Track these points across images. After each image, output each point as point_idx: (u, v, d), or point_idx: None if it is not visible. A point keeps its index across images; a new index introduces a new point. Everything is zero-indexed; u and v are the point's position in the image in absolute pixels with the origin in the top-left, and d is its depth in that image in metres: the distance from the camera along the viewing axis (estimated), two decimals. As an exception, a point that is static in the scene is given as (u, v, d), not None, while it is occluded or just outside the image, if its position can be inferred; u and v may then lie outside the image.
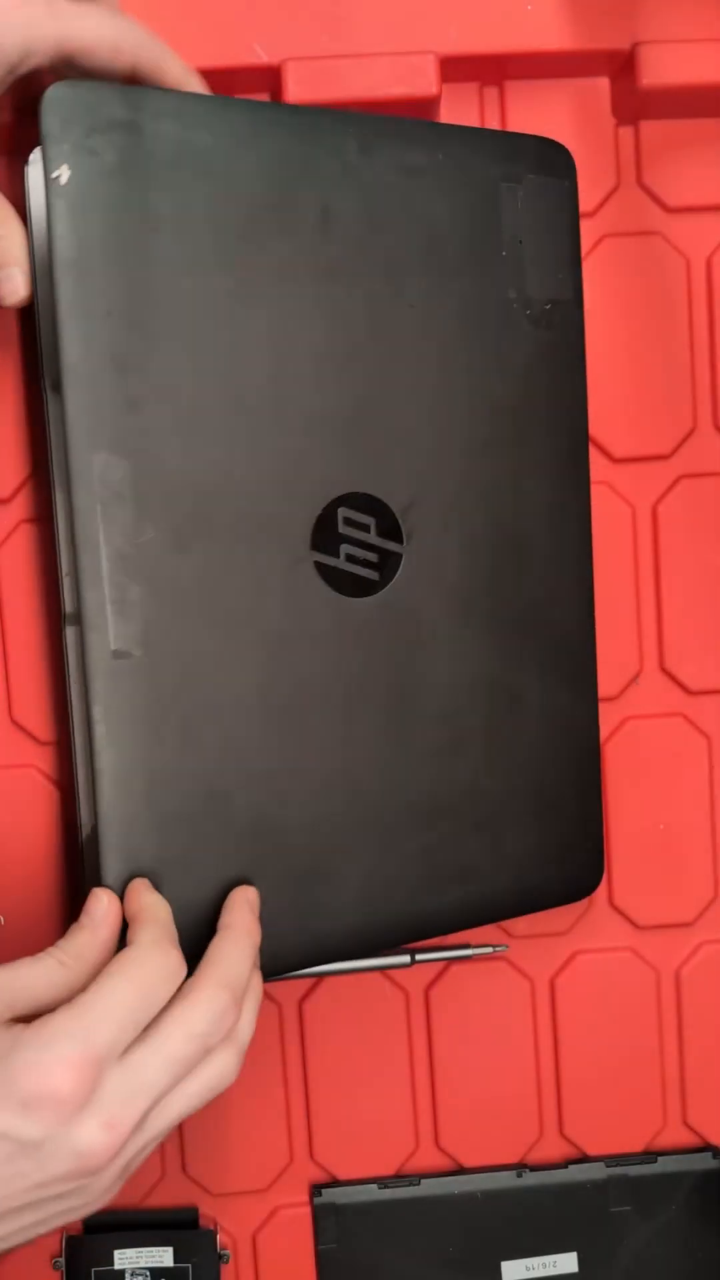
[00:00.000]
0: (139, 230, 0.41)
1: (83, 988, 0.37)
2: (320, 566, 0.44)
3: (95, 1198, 0.36)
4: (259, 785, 0.44)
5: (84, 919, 0.39)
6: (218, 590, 0.43)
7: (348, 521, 0.45)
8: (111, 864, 0.41)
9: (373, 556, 0.45)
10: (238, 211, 0.42)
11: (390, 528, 0.46)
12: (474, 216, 0.47)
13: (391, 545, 0.46)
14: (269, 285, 0.43)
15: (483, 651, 0.48)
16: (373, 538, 0.45)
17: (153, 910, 0.40)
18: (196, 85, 0.45)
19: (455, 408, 0.47)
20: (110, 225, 0.40)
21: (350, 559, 0.45)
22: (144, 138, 0.41)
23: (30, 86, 0.43)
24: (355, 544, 0.45)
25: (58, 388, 0.41)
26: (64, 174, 0.40)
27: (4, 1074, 0.34)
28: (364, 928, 0.46)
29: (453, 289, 0.46)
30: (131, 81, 0.43)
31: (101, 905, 0.40)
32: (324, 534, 0.44)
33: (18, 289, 0.42)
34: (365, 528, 0.45)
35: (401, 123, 0.46)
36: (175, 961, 0.38)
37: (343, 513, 0.45)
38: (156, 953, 0.38)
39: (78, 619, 0.41)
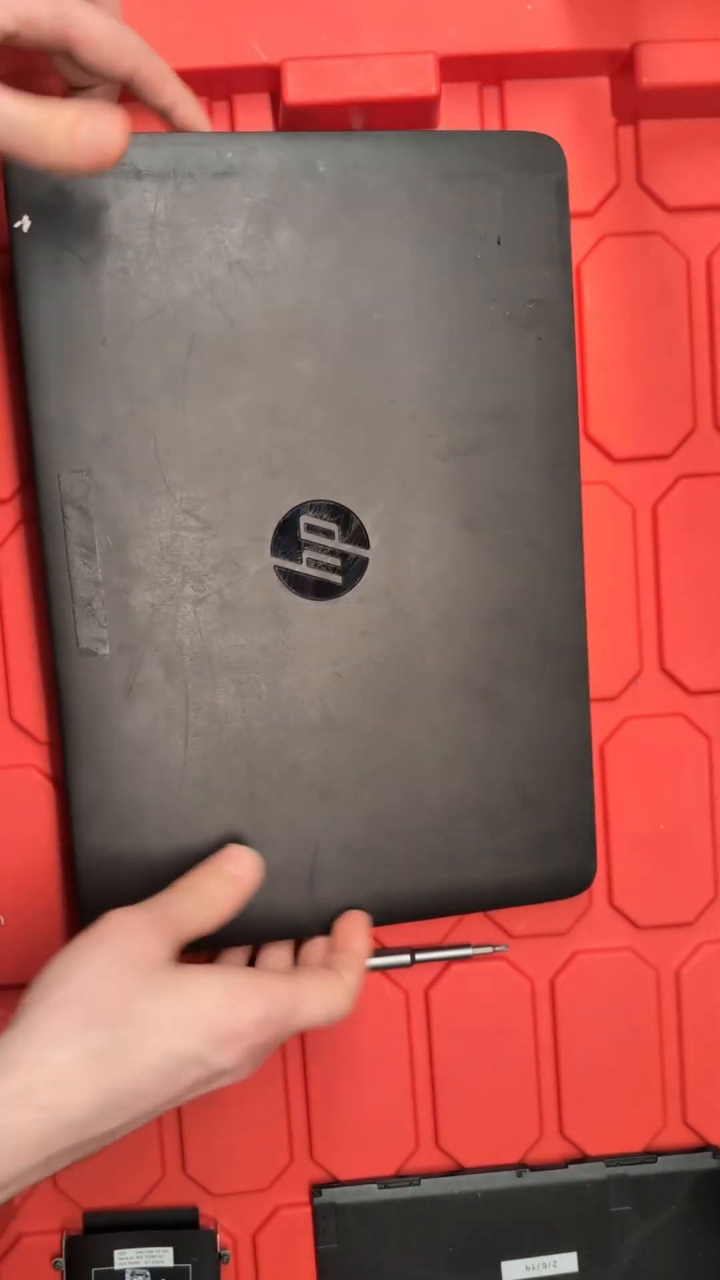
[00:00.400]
0: (96, 274, 0.45)
1: (213, 929, 0.44)
2: (281, 571, 0.47)
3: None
4: (239, 780, 0.47)
5: (233, 870, 0.46)
6: (184, 594, 0.47)
7: (310, 528, 0.47)
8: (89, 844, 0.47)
9: (334, 561, 0.47)
10: (199, 230, 0.45)
11: (356, 533, 0.47)
12: (450, 217, 0.47)
13: (358, 550, 0.48)
14: (236, 296, 0.46)
15: (462, 651, 0.49)
16: (336, 543, 0.47)
17: (363, 956, 0.47)
18: (193, 109, 0.45)
19: (431, 411, 0.48)
20: (67, 274, 0.44)
21: (312, 563, 0.47)
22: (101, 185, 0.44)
23: (29, 62, 0.43)
24: (318, 549, 0.47)
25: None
26: (25, 224, 0.44)
27: (210, 1015, 0.41)
28: (345, 906, 0.49)
29: (429, 291, 0.47)
30: (130, 91, 0.43)
31: (248, 866, 0.46)
32: (286, 539, 0.47)
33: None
34: (329, 533, 0.47)
35: (379, 137, 0.47)
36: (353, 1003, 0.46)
37: (305, 519, 0.47)
38: (355, 993, 0.46)
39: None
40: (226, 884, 0.46)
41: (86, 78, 0.43)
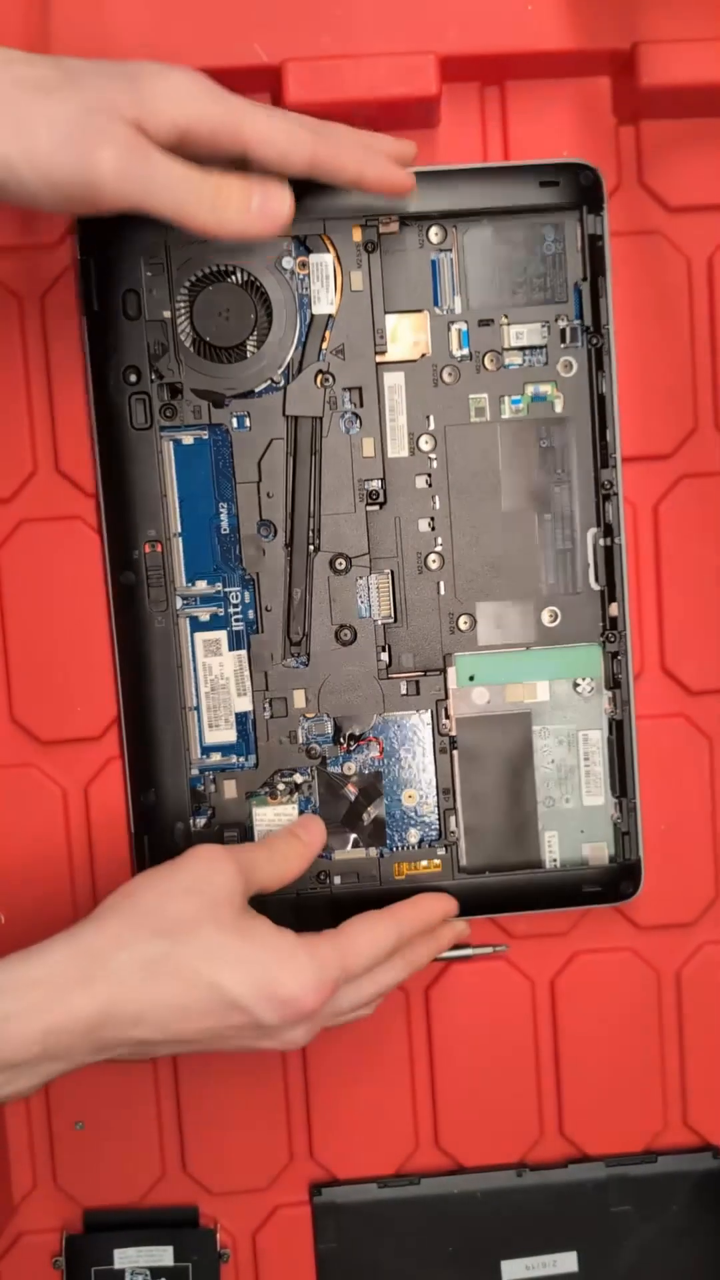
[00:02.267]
0: None
1: (280, 885, 0.48)
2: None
3: (254, 1050, 0.46)
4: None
5: (304, 836, 0.50)
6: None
7: None
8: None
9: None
10: None
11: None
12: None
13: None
14: None
15: None
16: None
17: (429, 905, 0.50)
18: (380, 167, 0.46)
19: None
20: None
21: None
22: None
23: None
24: None
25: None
26: None
27: (268, 966, 0.43)
28: None
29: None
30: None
31: (317, 832, 0.50)
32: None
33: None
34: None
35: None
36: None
37: None
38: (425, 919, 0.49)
39: None
40: (301, 846, 0.49)
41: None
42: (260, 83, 0.49)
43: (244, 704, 0.52)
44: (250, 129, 0.42)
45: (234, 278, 0.50)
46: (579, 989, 0.55)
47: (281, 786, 0.52)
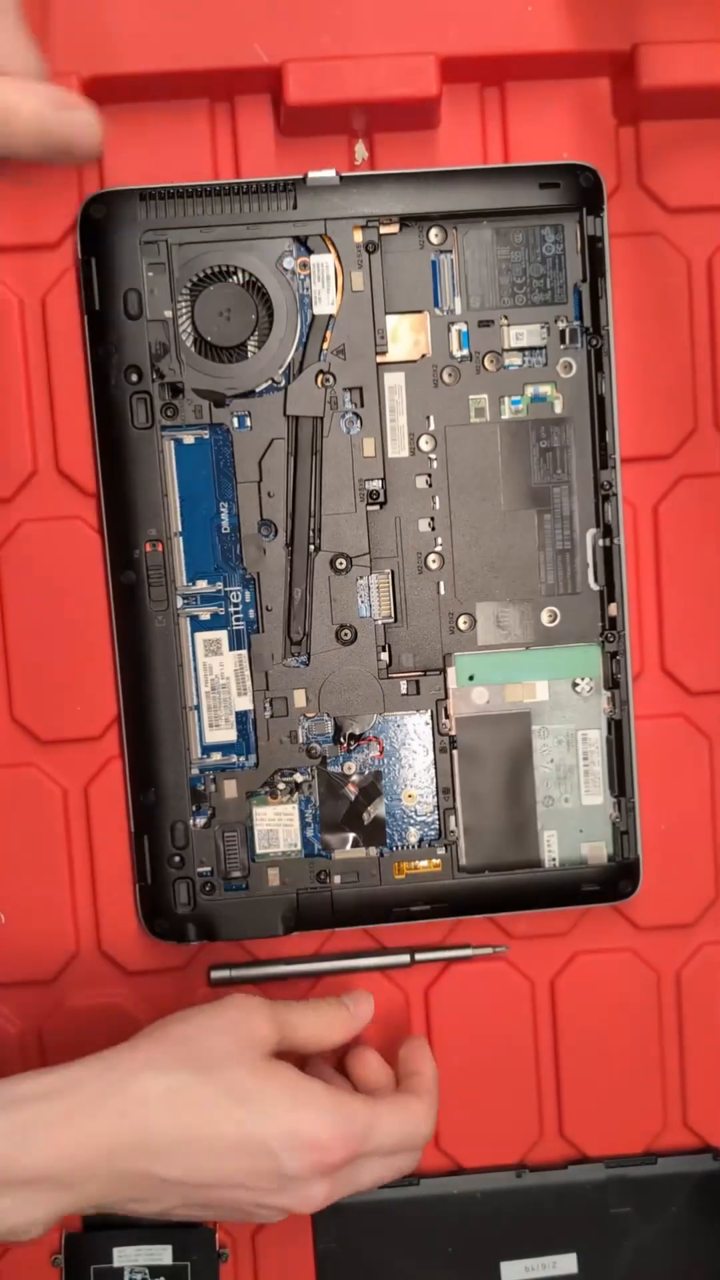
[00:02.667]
0: None
1: (316, 1049, 0.48)
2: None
3: (263, 1218, 0.45)
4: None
5: (352, 1007, 0.49)
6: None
7: None
8: None
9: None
10: None
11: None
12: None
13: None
14: None
15: None
16: None
17: (435, 1079, 0.50)
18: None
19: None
20: None
21: None
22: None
23: None
24: None
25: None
26: None
27: (297, 1110, 0.43)
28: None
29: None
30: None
31: (366, 1008, 0.49)
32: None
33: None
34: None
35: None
36: (432, 1126, 0.48)
37: None
38: (432, 1116, 0.48)
39: None
40: (347, 1015, 0.49)
41: None
42: (260, 83, 0.49)
43: (244, 703, 0.52)
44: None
45: (235, 278, 0.50)
46: (579, 989, 0.55)
47: (282, 786, 0.52)
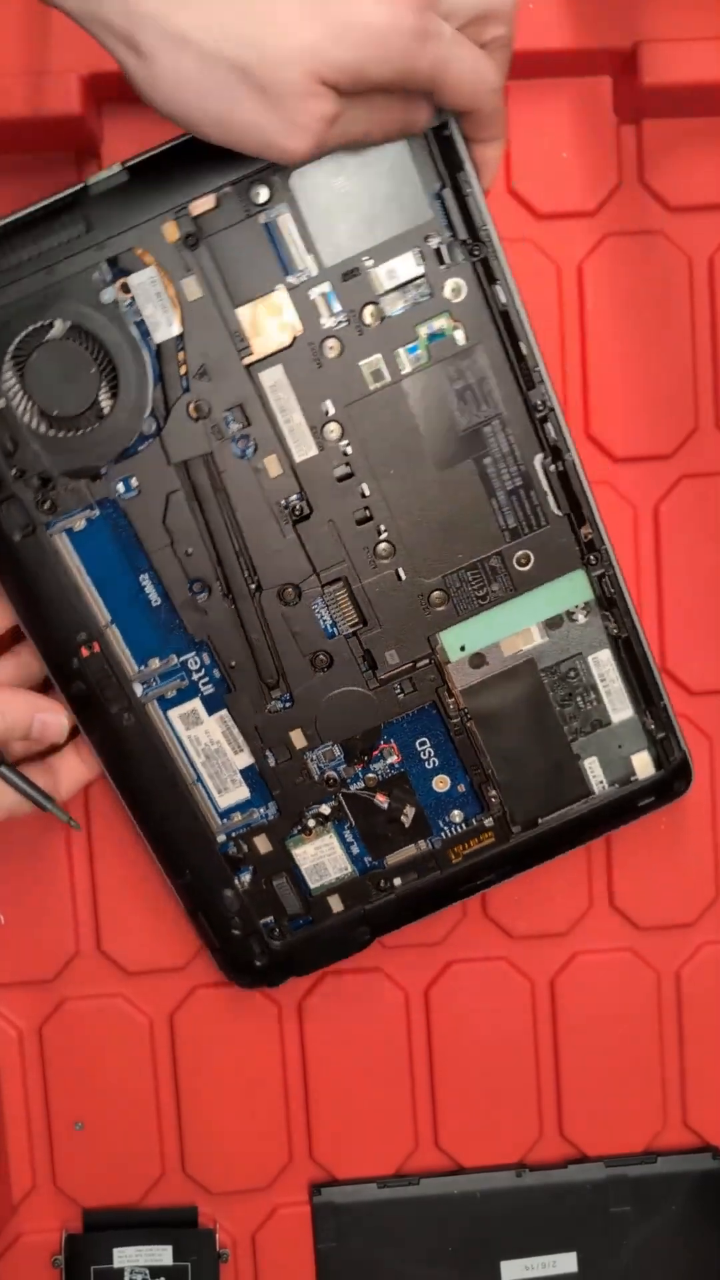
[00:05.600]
0: None
1: None
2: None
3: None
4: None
5: None
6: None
7: None
8: None
9: None
10: None
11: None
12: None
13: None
14: None
15: None
16: None
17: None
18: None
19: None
20: None
21: None
22: None
23: None
24: None
25: None
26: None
27: None
28: None
29: None
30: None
31: None
32: None
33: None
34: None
35: None
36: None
37: None
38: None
39: None
40: None
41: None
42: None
43: (244, 759, 0.49)
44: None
45: (54, 332, 0.44)
46: (579, 989, 0.55)
47: (312, 822, 0.50)
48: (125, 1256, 0.53)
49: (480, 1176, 0.55)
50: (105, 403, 0.45)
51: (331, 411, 0.46)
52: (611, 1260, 0.55)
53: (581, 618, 0.49)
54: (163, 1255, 0.53)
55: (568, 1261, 0.55)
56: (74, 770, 0.49)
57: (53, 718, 0.47)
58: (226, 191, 0.44)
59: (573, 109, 0.51)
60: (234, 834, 0.49)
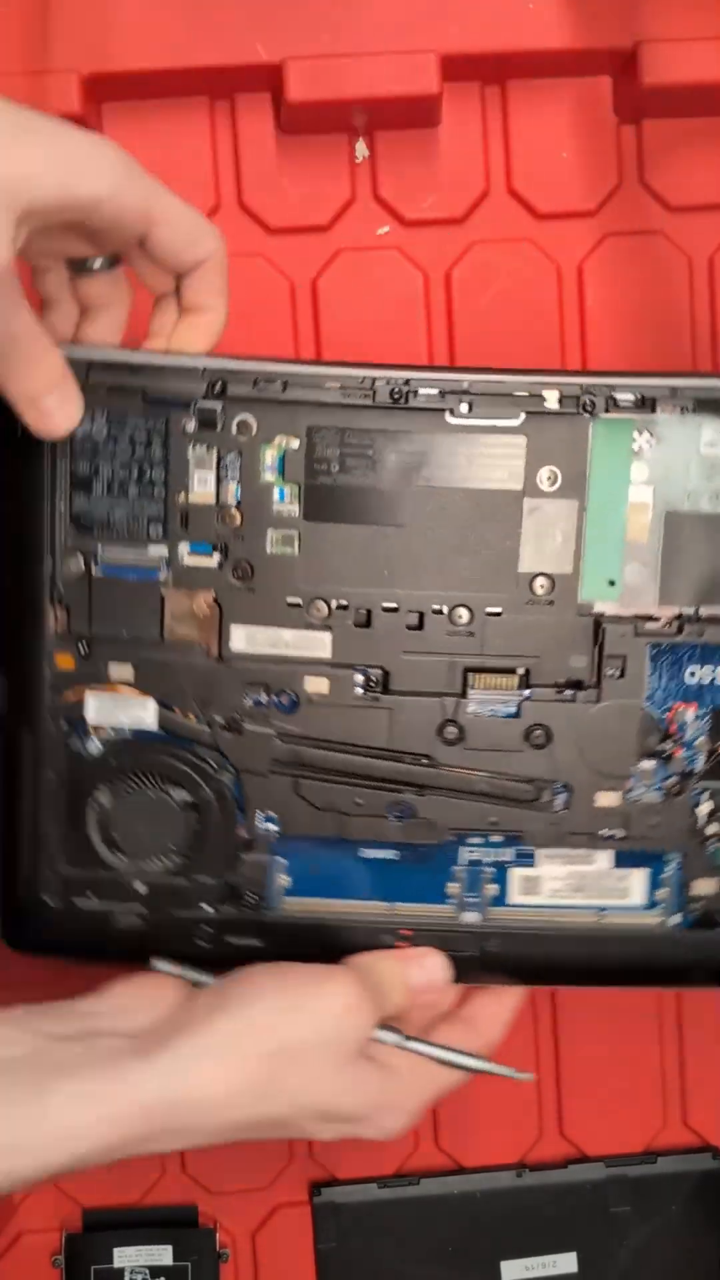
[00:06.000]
0: None
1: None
2: None
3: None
4: None
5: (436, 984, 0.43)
6: None
7: None
8: None
9: None
10: None
11: None
12: None
13: None
14: None
15: None
16: None
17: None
18: (218, 327, 0.41)
19: None
20: None
21: None
22: None
23: None
24: None
25: None
26: None
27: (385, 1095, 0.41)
28: None
29: None
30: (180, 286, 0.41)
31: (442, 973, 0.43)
32: None
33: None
34: None
35: None
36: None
37: None
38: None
39: None
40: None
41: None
42: (261, 81, 0.49)
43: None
44: (160, 208, 0.38)
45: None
46: (579, 988, 0.55)
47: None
48: (125, 1256, 0.53)
49: (480, 1176, 0.55)
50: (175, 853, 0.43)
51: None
52: (611, 1260, 0.55)
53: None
54: (163, 1255, 0.53)
55: (568, 1261, 0.55)
56: (490, 1008, 0.44)
57: (429, 961, 0.42)
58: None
59: (573, 109, 0.51)
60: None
